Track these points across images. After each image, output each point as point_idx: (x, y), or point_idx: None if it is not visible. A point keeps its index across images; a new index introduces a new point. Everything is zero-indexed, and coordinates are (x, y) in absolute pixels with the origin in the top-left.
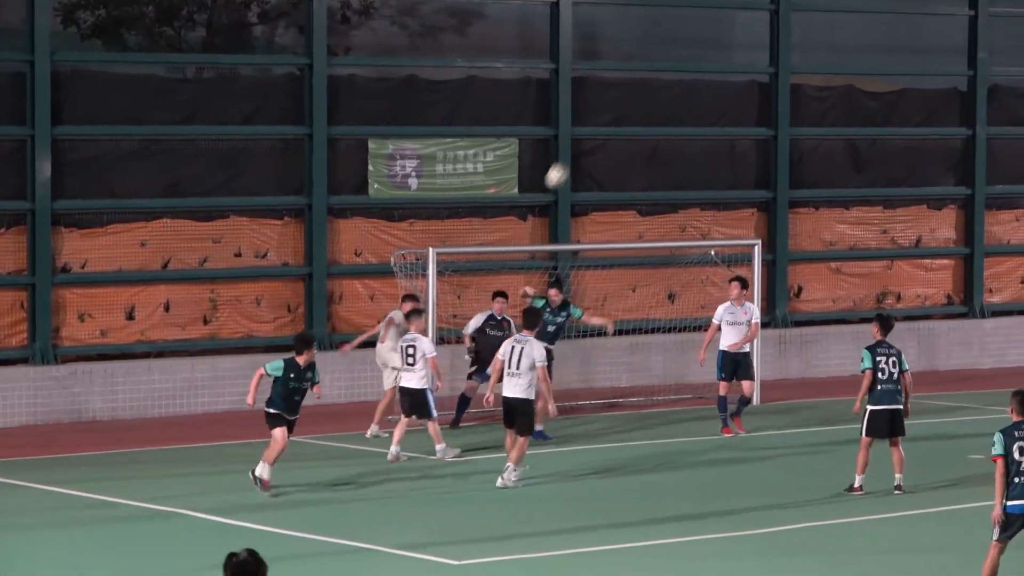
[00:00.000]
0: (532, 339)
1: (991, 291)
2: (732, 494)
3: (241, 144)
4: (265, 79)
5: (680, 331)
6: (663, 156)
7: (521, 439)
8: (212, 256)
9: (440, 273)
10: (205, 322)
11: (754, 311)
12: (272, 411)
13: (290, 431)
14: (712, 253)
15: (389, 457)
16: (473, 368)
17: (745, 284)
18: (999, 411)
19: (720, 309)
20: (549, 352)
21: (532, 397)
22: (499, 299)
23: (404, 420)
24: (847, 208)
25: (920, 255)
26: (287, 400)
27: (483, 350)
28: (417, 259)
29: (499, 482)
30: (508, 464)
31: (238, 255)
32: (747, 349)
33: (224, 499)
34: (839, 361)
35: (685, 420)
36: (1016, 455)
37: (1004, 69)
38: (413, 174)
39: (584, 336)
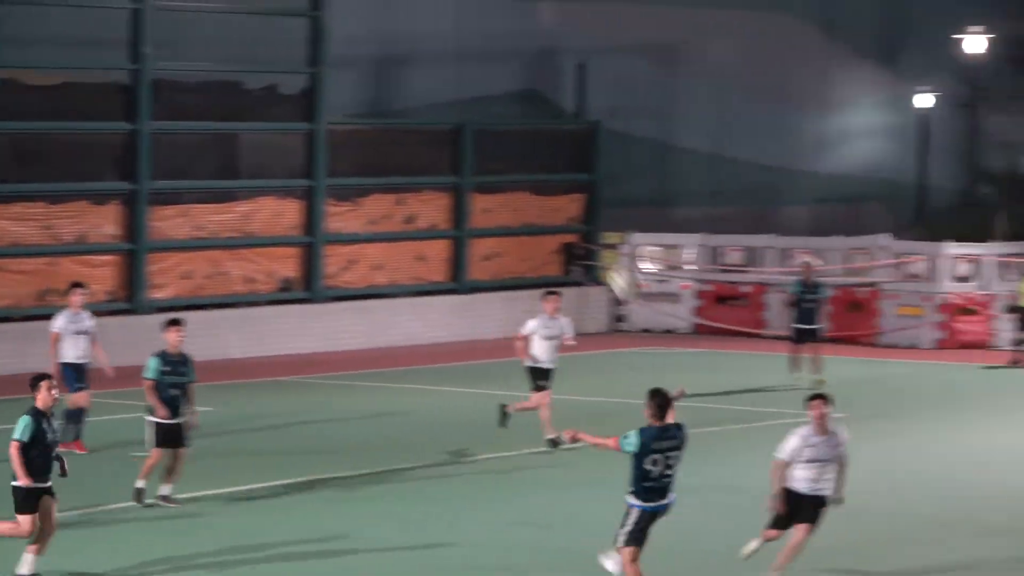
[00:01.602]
0: None
1: (156, 287)
2: None
3: None
4: None
5: None
6: None
7: None
8: None
9: None
10: None
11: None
12: (24, 486)
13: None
14: None
15: None
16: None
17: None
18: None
19: (61, 318)
20: None
21: None
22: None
23: None
24: (9, 204)
25: (84, 251)
26: (45, 466)
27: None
28: None
29: None
30: None
31: None
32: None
33: None
34: None
35: None
36: (649, 465)
37: (168, 63)
38: None
39: None
